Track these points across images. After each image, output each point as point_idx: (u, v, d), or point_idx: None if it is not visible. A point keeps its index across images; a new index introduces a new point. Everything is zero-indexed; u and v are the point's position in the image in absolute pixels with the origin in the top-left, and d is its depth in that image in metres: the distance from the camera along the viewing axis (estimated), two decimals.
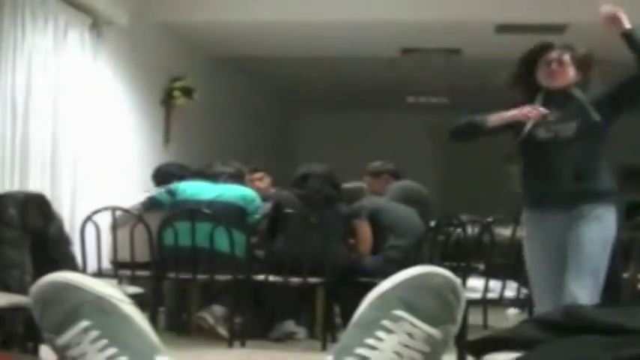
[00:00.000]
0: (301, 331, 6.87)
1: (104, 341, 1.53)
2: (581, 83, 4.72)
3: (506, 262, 5.98)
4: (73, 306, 1.57)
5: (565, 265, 4.48)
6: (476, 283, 5.89)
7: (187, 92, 9.41)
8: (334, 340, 6.51)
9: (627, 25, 4.47)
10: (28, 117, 6.50)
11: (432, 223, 6.76)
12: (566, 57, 4.67)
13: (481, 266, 6.35)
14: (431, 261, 6.22)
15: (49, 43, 6.81)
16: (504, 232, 6.65)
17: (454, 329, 1.64)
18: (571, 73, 4.67)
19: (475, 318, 6.96)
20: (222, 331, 6.56)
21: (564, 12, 8.45)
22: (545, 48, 4.73)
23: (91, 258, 6.31)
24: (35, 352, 4.76)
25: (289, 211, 6.67)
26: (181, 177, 7.23)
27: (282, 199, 6.88)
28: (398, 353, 1.54)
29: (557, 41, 4.82)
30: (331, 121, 14.63)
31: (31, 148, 6.54)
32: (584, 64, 4.75)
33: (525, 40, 9.13)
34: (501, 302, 6.00)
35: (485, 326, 7.62)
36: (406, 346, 1.55)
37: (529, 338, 2.14)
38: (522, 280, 5.63)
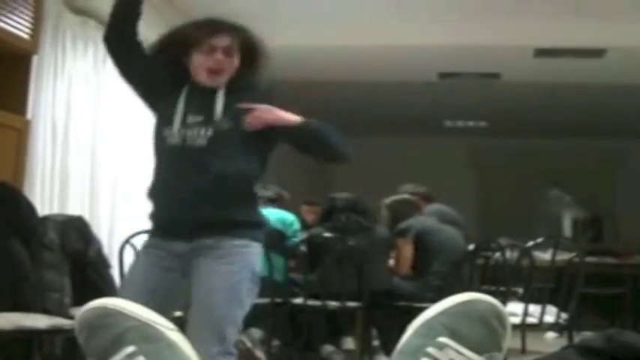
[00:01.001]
0: (339, 354, 6.85)
1: None
2: (242, 75, 3.55)
3: (545, 287, 5.94)
4: (118, 332, 1.57)
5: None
6: (515, 307, 5.86)
7: None
8: None
9: (293, 118, 3.45)
10: (67, 140, 6.54)
11: (471, 247, 6.72)
12: (235, 44, 3.51)
13: (520, 290, 6.32)
14: (470, 285, 6.19)
15: (88, 66, 6.86)
16: (543, 256, 6.62)
17: (500, 357, 1.63)
18: (233, 66, 3.51)
19: (514, 342, 6.91)
20: (260, 354, 6.55)
21: (603, 36, 8.42)
22: (213, 30, 3.54)
23: None
24: None
25: (320, 245, 6.62)
26: None
27: (313, 237, 6.79)
28: None
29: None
30: (367, 145, 14.63)
31: (71, 171, 6.57)
32: (251, 51, 3.60)
33: (564, 64, 9.20)
34: (541, 327, 5.96)
35: (523, 351, 7.56)
36: None
37: None
38: (562, 304, 5.60)
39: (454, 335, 1.56)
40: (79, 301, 4.90)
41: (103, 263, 5.45)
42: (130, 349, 1.54)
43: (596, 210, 14.93)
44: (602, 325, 5.09)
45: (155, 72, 3.61)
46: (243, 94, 3.46)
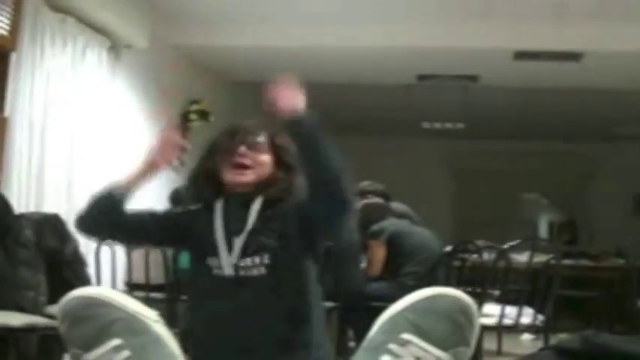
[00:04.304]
0: None
1: None
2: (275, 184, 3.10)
3: (522, 289, 5.96)
4: (105, 323, 1.55)
5: None
6: (492, 309, 5.86)
7: (204, 115, 9.40)
8: None
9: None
10: (44, 137, 6.51)
11: (448, 249, 6.73)
12: (262, 139, 3.18)
13: (496, 292, 6.33)
14: (446, 286, 6.19)
15: (67, 64, 6.83)
16: (520, 258, 6.63)
17: (468, 352, 1.62)
18: (261, 162, 3.12)
19: (490, 344, 6.93)
20: None
21: (582, 40, 8.45)
22: (234, 131, 3.22)
23: (105, 279, 6.31)
24: None
25: None
26: None
27: None
28: None
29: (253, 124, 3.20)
30: (345, 146, 14.61)
31: (47, 168, 6.54)
32: (286, 156, 3.16)
33: (542, 67, 9.23)
34: (517, 328, 5.98)
35: (499, 352, 7.58)
36: None
37: None
38: (538, 306, 5.61)
39: (418, 331, 1.55)
40: (55, 299, 4.88)
41: (79, 262, 5.43)
42: (116, 341, 1.53)
43: (571, 213, 14.99)
44: (578, 328, 5.10)
45: (168, 219, 3.25)
46: (279, 206, 3.06)
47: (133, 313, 1.58)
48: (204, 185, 3.18)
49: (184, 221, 3.17)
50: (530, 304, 5.95)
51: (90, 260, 5.83)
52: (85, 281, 5.34)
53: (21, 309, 4.57)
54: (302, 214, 2.97)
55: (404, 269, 6.59)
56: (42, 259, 4.97)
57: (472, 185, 14.96)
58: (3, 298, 4.54)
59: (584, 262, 9.64)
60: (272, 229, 2.97)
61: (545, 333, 6.20)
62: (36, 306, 4.72)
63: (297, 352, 2.88)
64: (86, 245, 6.47)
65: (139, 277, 6.44)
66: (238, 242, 2.96)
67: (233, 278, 2.92)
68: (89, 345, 1.56)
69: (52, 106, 6.59)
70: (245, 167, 3.09)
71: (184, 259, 6.39)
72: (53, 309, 4.74)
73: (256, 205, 3.03)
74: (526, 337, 8.95)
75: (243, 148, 3.10)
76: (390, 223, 6.90)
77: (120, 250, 6.41)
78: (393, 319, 1.62)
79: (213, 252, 2.97)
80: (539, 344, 6.73)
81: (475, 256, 6.45)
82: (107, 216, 3.11)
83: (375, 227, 6.80)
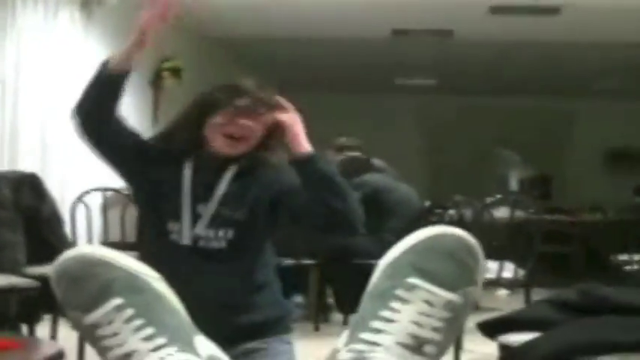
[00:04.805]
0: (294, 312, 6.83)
1: (140, 321, 1.47)
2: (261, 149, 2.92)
3: (502, 244, 5.96)
4: (104, 283, 1.50)
5: None
6: None
7: (176, 72, 9.34)
8: (327, 321, 6.48)
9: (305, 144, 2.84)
10: (17, 96, 6.46)
11: (426, 204, 6.73)
12: (263, 111, 2.87)
13: None
14: None
15: (39, 22, 6.76)
16: (498, 213, 6.63)
17: (477, 291, 1.58)
18: (256, 134, 2.86)
19: None
20: None
21: None
22: (237, 94, 2.88)
23: (81, 238, 6.28)
24: (31, 333, 4.72)
25: None
26: None
27: None
28: (417, 323, 1.48)
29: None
30: (318, 102, 14.59)
31: (21, 128, 6.50)
32: (277, 138, 2.94)
33: (519, 22, 9.20)
34: (499, 282, 5.98)
35: (477, 307, 7.60)
36: (425, 314, 1.49)
37: (544, 319, 2.10)
38: (519, 261, 5.61)
39: (423, 274, 1.51)
40: (33, 259, 4.84)
41: (57, 221, 5.37)
42: (118, 300, 1.48)
43: (545, 168, 15.06)
44: (558, 282, 5.11)
45: (146, 152, 2.97)
46: (255, 173, 2.90)
47: (132, 272, 1.53)
48: (180, 137, 2.94)
49: (151, 158, 2.94)
50: (511, 258, 5.95)
51: (65, 219, 5.79)
52: (63, 241, 5.29)
53: (0, 269, 4.52)
54: (290, 206, 2.84)
55: (386, 225, 6.56)
56: (20, 218, 4.92)
57: (445, 141, 15.00)
58: None
59: (561, 217, 9.68)
60: (241, 203, 2.83)
61: (526, 288, 6.21)
62: (15, 266, 4.67)
63: (251, 315, 2.82)
64: (61, 204, 6.43)
65: (114, 236, 6.42)
66: (205, 212, 2.81)
67: (191, 247, 2.79)
68: (89, 306, 1.51)
69: (24, 66, 6.53)
70: (239, 139, 2.85)
71: None
72: (32, 269, 4.70)
73: (229, 174, 2.86)
74: (502, 292, 8.98)
75: (245, 121, 2.83)
76: (372, 178, 6.87)
77: (95, 209, 6.38)
78: (394, 264, 1.57)
79: (176, 217, 2.81)
80: (517, 299, 6.76)
81: (452, 211, 6.44)
82: (107, 96, 2.99)
83: (357, 180, 6.73)
